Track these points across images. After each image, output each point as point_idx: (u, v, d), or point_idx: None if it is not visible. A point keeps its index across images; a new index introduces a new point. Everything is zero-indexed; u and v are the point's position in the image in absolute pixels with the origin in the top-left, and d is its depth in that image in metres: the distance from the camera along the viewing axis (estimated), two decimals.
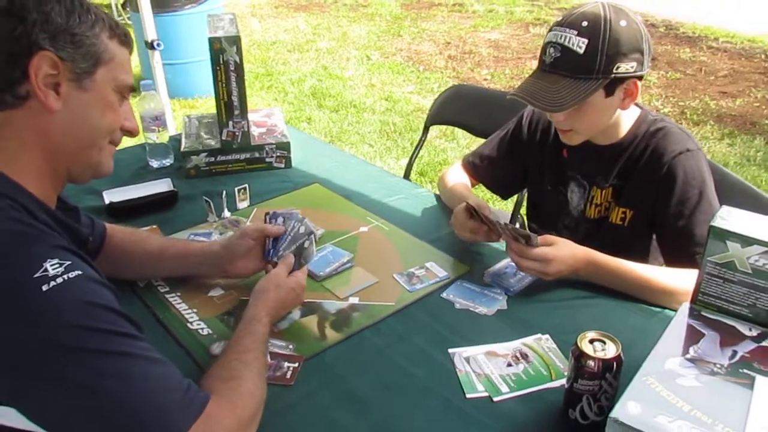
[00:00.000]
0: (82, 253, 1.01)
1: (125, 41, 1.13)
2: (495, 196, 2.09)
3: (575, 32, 1.45)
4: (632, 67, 1.47)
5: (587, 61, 1.45)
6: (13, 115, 1.02)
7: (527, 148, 1.83)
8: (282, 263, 1.42)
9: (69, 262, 0.94)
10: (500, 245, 1.65)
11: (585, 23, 1.45)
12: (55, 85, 1.03)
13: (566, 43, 1.46)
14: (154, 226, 1.79)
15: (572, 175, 1.74)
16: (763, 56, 6.45)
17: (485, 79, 6.03)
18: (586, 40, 1.44)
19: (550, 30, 1.51)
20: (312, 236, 1.47)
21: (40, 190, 1.07)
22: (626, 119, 1.62)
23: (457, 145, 4.59)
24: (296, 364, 1.29)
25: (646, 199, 1.59)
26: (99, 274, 1.01)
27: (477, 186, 1.98)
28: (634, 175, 1.61)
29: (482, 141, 2.04)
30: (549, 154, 1.78)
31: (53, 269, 0.91)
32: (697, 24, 7.50)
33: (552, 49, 1.49)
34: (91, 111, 1.08)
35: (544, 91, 1.50)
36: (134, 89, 1.17)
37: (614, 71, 1.46)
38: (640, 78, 1.52)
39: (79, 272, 0.94)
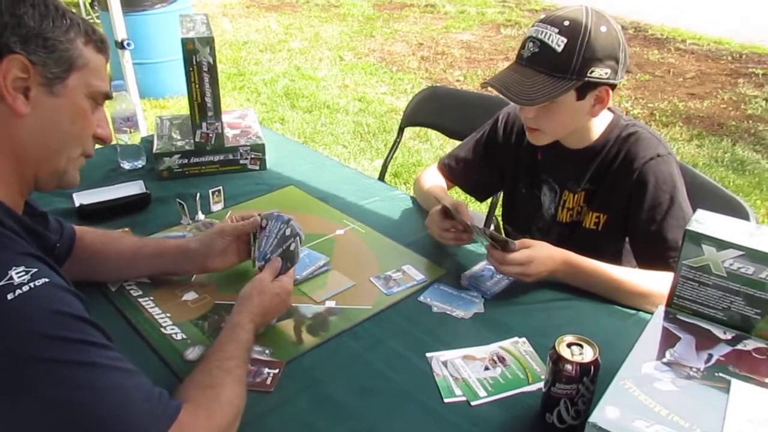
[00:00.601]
0: (49, 261, 0.99)
1: (102, 48, 1.10)
2: (471, 197, 2.09)
3: (556, 30, 1.46)
4: (606, 74, 1.48)
5: (563, 60, 1.46)
6: None
7: (502, 150, 1.84)
8: (268, 268, 1.41)
9: (35, 270, 0.92)
10: (476, 248, 1.65)
11: (566, 23, 1.46)
12: (25, 89, 1.00)
13: (546, 39, 1.47)
14: (126, 229, 1.75)
15: (545, 178, 1.75)
16: (729, 58, 6.56)
17: (458, 80, 6.06)
18: (565, 39, 1.45)
19: (533, 25, 1.52)
20: (298, 238, 1.45)
21: (7, 195, 1.04)
22: (598, 123, 1.63)
23: (430, 147, 4.60)
24: (276, 371, 1.28)
25: (619, 204, 1.61)
26: (66, 282, 0.98)
27: (453, 188, 1.98)
28: (606, 180, 1.62)
29: (457, 143, 2.04)
30: (524, 156, 1.79)
31: (19, 277, 0.89)
32: (666, 26, 7.61)
33: (531, 44, 1.50)
34: (61, 117, 1.06)
35: (517, 84, 1.50)
36: (110, 97, 1.15)
37: (588, 74, 1.47)
38: (613, 87, 1.53)
39: (46, 280, 0.92)
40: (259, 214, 1.51)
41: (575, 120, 1.58)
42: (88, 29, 1.07)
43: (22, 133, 1.02)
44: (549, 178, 1.74)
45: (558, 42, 1.45)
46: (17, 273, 0.89)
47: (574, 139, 1.65)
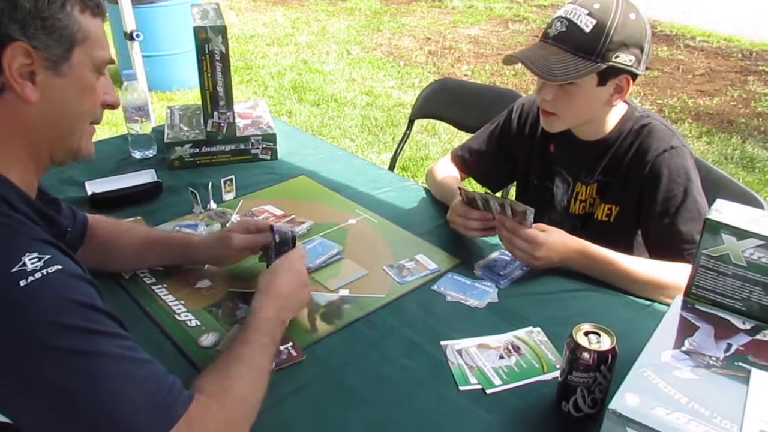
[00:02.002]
0: (63, 246, 0.98)
1: (98, 12, 1.05)
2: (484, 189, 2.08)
3: (586, 11, 1.47)
4: (630, 61, 1.48)
5: (590, 41, 1.46)
6: None
7: (516, 142, 1.83)
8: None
9: (48, 256, 0.90)
10: (490, 238, 1.65)
11: (597, 5, 1.46)
12: (31, 74, 0.97)
13: (574, 19, 1.48)
14: (139, 218, 1.76)
15: (558, 170, 1.74)
16: (739, 55, 6.53)
17: (465, 75, 6.03)
18: (594, 21, 1.45)
19: (562, 7, 1.53)
20: (293, 238, 1.43)
21: (22, 179, 1.03)
22: (613, 115, 1.62)
23: (438, 140, 4.59)
24: (290, 344, 1.29)
25: (632, 196, 1.60)
26: (81, 268, 0.97)
27: (465, 179, 1.97)
28: (619, 172, 1.62)
29: (466, 136, 2.03)
30: (537, 148, 1.79)
31: (32, 263, 0.88)
32: (675, 23, 7.57)
33: (559, 23, 1.50)
34: (70, 96, 1.03)
35: (542, 59, 1.51)
36: (113, 62, 1.11)
37: (612, 59, 1.47)
38: (634, 78, 1.53)
39: (59, 267, 0.90)
40: (271, 227, 1.47)
41: (592, 107, 1.57)
42: None
43: (33, 118, 1.01)
44: (562, 170, 1.73)
45: (587, 23, 1.46)
46: (30, 259, 0.88)
47: (588, 130, 1.64)
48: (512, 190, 2.18)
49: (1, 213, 0.94)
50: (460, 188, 1.59)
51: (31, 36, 0.95)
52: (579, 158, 1.68)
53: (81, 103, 1.06)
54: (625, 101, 1.64)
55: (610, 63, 1.47)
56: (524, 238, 1.46)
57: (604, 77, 1.50)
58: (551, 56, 1.50)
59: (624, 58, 1.48)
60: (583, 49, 1.47)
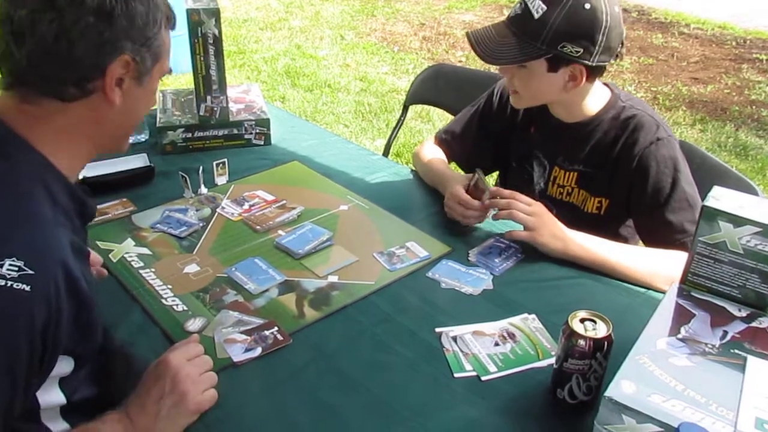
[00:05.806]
0: (82, 266, 0.96)
1: (173, 25, 1.10)
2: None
3: None
4: (577, 52, 1.46)
5: (537, 27, 1.46)
6: (72, 107, 0.99)
7: (497, 122, 1.83)
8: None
9: (31, 273, 0.86)
10: (483, 225, 1.65)
11: None
12: (120, 80, 1.01)
13: (529, 4, 1.48)
14: (125, 199, 1.75)
15: (536, 153, 1.74)
16: (733, 43, 6.52)
17: (460, 61, 6.01)
18: (545, 8, 1.45)
19: None
20: None
21: (71, 169, 1.04)
22: (593, 100, 1.61)
23: (432, 127, 4.56)
24: (275, 328, 1.30)
25: (621, 189, 1.60)
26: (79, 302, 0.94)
27: (452, 162, 1.95)
28: (605, 164, 1.61)
29: None
30: (518, 129, 1.78)
31: (7, 269, 0.84)
32: (669, 10, 7.55)
33: (518, 6, 1.51)
34: (140, 104, 1.09)
35: (489, 40, 1.53)
36: (171, 71, 1.15)
37: (558, 48, 1.46)
38: (589, 69, 1.50)
39: (27, 288, 0.85)
40: None
41: (548, 91, 1.58)
42: (166, 10, 1.06)
43: (106, 120, 1.04)
44: (539, 153, 1.73)
45: (538, 9, 1.45)
46: (10, 264, 0.85)
47: (563, 111, 1.65)
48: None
49: (36, 208, 0.94)
50: (476, 171, 1.61)
51: (136, 51, 1.00)
52: (558, 141, 1.68)
53: (146, 110, 1.13)
54: (608, 86, 1.63)
55: (556, 52, 1.46)
56: (522, 200, 1.51)
57: (554, 64, 1.50)
58: (500, 38, 1.51)
59: (571, 49, 1.46)
60: (529, 35, 1.47)
